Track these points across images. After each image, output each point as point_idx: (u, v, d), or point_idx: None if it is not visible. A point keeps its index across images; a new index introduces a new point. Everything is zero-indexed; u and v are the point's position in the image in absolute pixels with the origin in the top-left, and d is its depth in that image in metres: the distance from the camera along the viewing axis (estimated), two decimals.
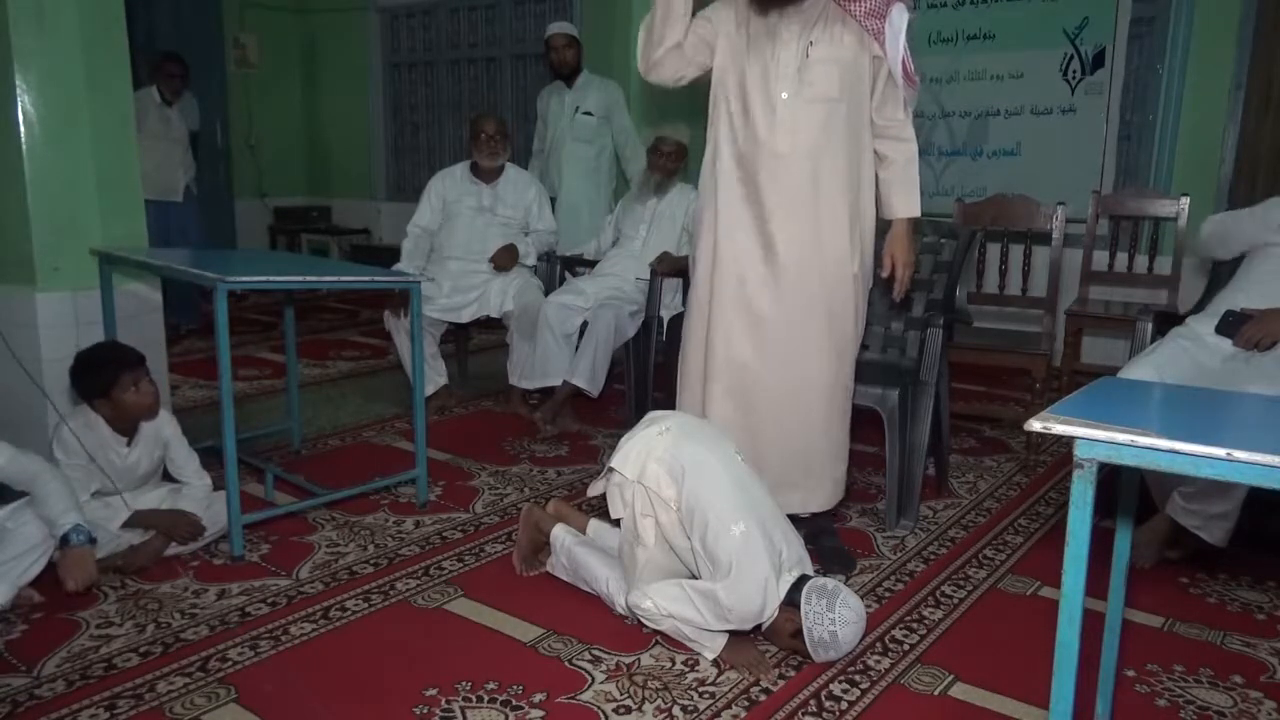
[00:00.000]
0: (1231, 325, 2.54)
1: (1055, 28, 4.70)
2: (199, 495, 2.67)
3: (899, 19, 2.34)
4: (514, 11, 6.88)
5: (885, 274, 2.53)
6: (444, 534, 2.81)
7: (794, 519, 2.43)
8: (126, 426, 2.59)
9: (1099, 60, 4.62)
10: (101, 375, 2.52)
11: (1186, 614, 2.37)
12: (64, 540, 2.25)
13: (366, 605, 2.36)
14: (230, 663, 2.08)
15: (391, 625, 2.27)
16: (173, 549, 2.58)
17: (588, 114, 4.76)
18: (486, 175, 4.13)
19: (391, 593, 2.43)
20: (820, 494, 2.61)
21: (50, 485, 2.31)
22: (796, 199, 2.42)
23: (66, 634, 2.19)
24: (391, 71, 7.65)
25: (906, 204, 2.49)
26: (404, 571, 2.55)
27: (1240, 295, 2.64)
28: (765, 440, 2.52)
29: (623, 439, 2.35)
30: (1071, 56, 4.69)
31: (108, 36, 3.11)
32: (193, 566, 2.55)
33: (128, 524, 2.53)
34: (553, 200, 4.53)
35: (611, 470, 2.30)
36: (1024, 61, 4.82)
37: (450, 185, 4.14)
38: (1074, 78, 4.71)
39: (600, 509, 2.58)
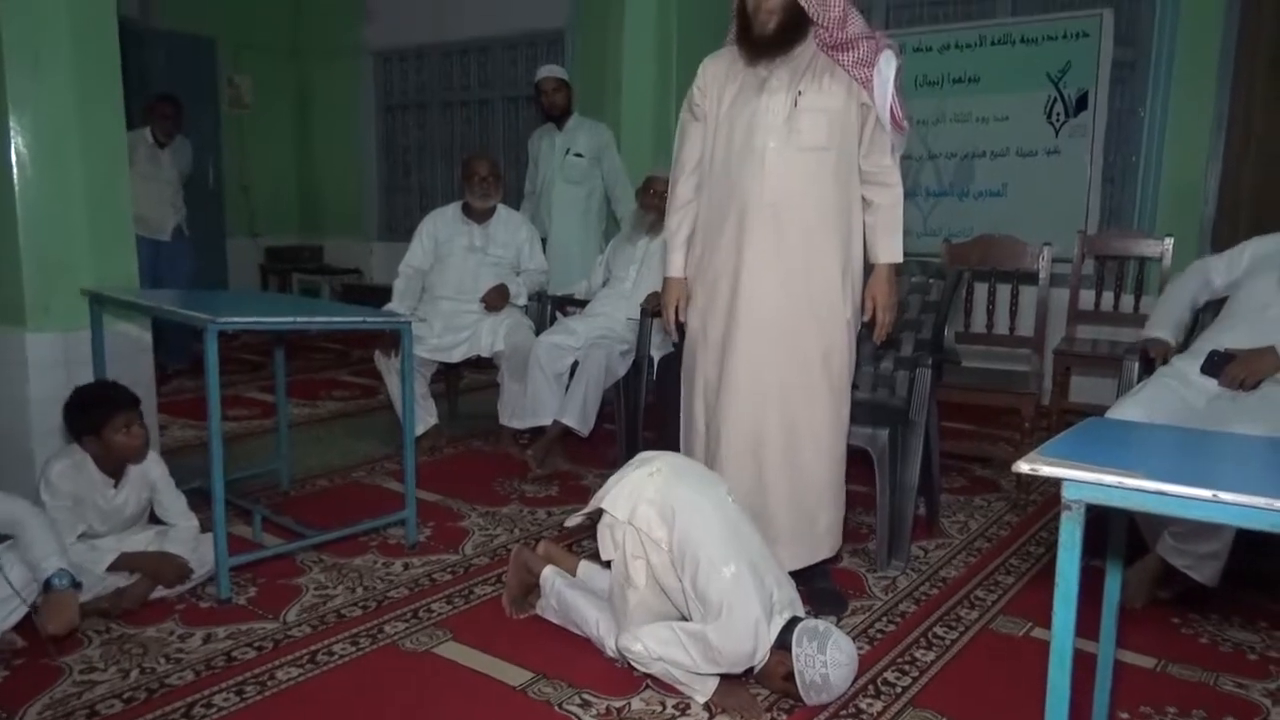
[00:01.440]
0: (1216, 365, 2.56)
1: (1039, 71, 4.79)
2: (186, 537, 2.65)
3: (887, 66, 2.38)
4: (506, 55, 6.97)
5: (866, 318, 2.55)
6: (433, 576, 2.79)
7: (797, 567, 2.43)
8: (114, 467, 2.57)
9: (1082, 103, 4.70)
10: (94, 413, 2.52)
11: (1179, 655, 2.36)
12: (47, 585, 2.23)
13: (354, 649, 2.33)
14: (215, 709, 2.05)
15: (380, 669, 2.24)
16: (159, 592, 2.55)
17: (578, 155, 4.80)
18: (478, 215, 4.16)
19: (380, 636, 2.40)
20: (828, 541, 2.60)
21: (34, 528, 2.28)
22: (787, 246, 2.44)
23: (49, 680, 2.15)
24: (384, 113, 7.72)
25: (889, 249, 2.51)
26: (393, 614, 2.52)
27: (1226, 334, 2.66)
28: (776, 495, 2.51)
29: (611, 479, 2.35)
30: (1055, 99, 4.77)
31: (103, 79, 3.14)
32: (179, 610, 2.53)
33: (113, 567, 2.50)
34: (543, 241, 4.56)
35: (601, 511, 2.29)
36: (1009, 104, 4.90)
37: (442, 225, 4.17)
38: (1058, 120, 4.78)
39: (589, 550, 2.57)
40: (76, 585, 2.28)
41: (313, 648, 2.33)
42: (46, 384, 3.04)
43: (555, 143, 4.85)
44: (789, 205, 2.43)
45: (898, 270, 2.56)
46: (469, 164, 4.17)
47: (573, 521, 2.45)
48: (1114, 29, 4.60)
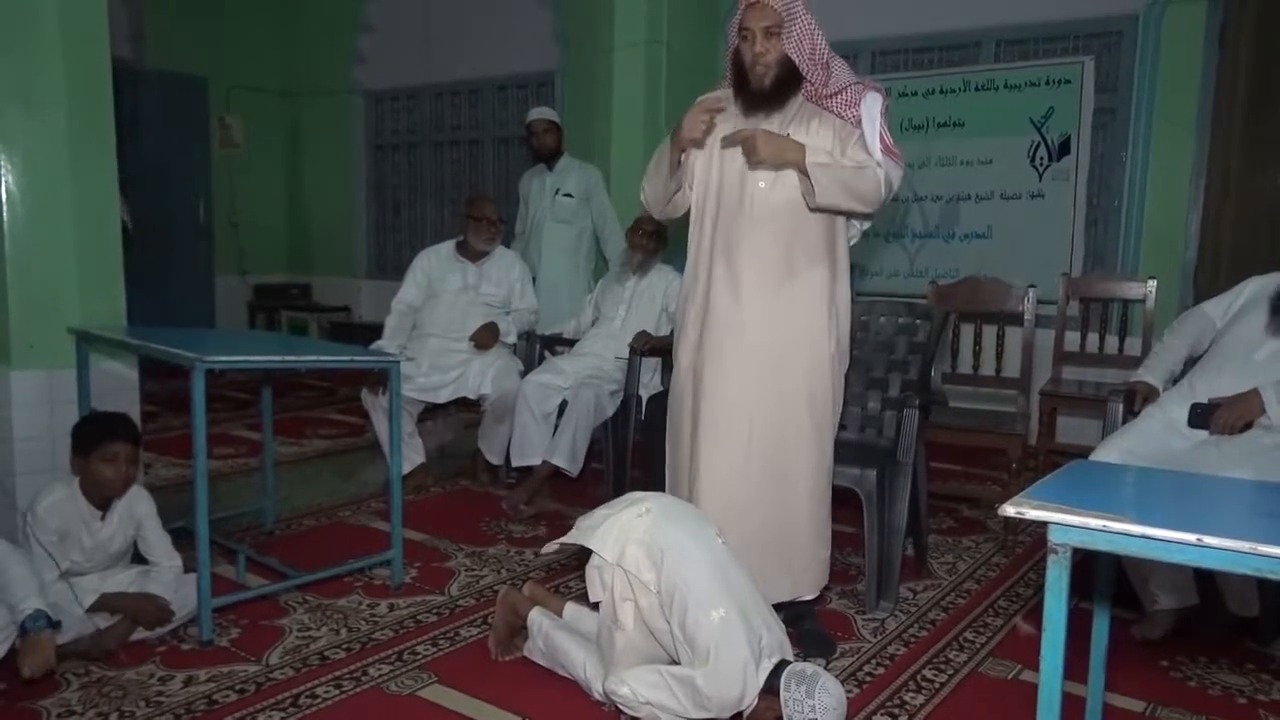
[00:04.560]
0: (1202, 416, 2.58)
1: (1022, 116, 4.87)
2: (168, 577, 2.62)
3: (872, 104, 2.45)
4: (496, 96, 7.04)
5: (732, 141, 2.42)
6: (418, 617, 2.76)
7: (774, 601, 2.42)
8: (99, 498, 2.55)
9: (1065, 148, 4.77)
10: (89, 436, 2.53)
11: (1168, 698, 2.35)
12: (22, 627, 2.20)
13: (338, 692, 2.30)
14: None
15: (363, 713, 2.21)
16: (139, 633, 2.52)
17: (567, 196, 4.84)
18: (474, 255, 4.17)
19: (364, 679, 2.37)
20: (809, 578, 2.60)
21: (11, 569, 2.26)
22: (774, 284, 2.47)
23: None
24: (375, 153, 7.77)
25: (818, 159, 2.36)
26: (377, 657, 2.49)
27: (1213, 378, 2.66)
28: (754, 527, 2.51)
29: (598, 512, 2.35)
30: (1038, 144, 4.85)
31: (95, 119, 3.16)
32: (159, 652, 2.49)
33: (94, 607, 2.47)
34: (533, 280, 4.58)
35: (589, 551, 2.28)
36: (993, 148, 4.97)
37: (436, 263, 4.18)
38: (1041, 164, 4.85)
39: (577, 591, 2.55)
40: (54, 626, 2.25)
41: (295, 690, 2.30)
42: (31, 422, 3.02)
43: (545, 183, 4.89)
44: (778, 242, 2.47)
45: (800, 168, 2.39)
46: (477, 205, 4.19)
47: (549, 549, 2.46)
48: (1095, 76, 4.70)
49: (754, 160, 2.38)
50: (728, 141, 2.43)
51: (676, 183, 2.58)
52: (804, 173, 2.35)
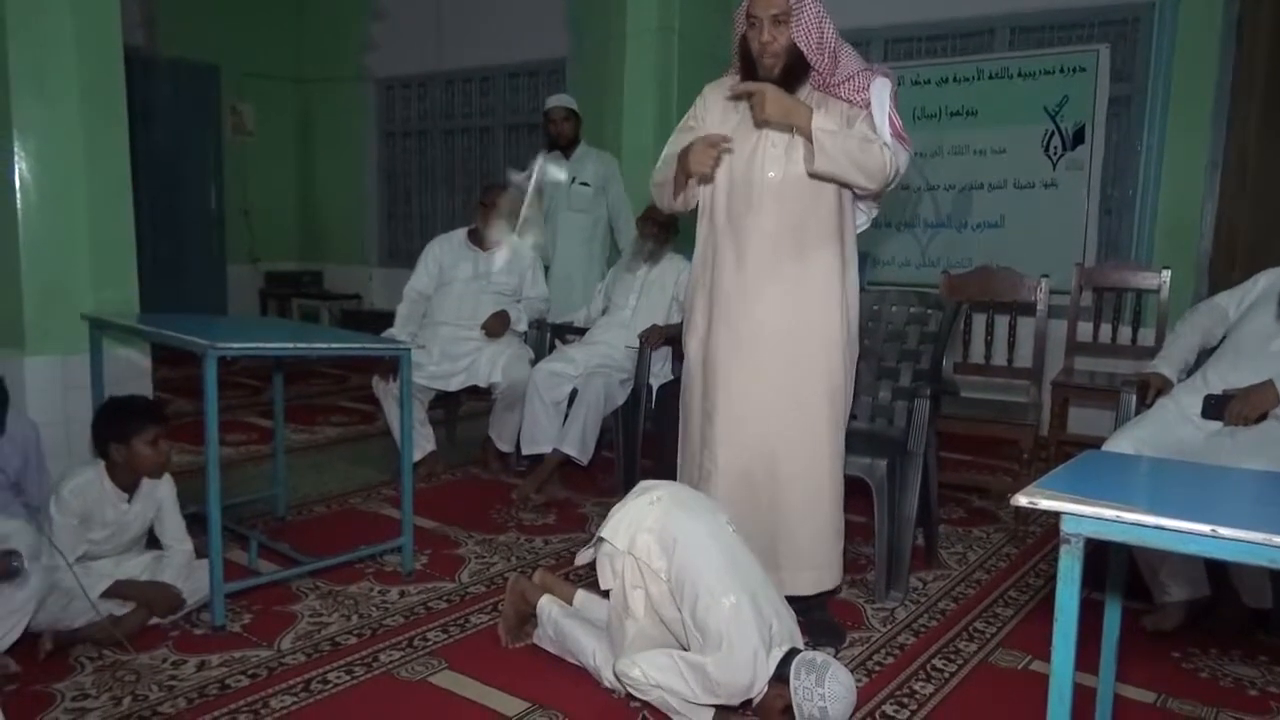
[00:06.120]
0: (1216, 407, 2.57)
1: (1036, 105, 4.83)
2: (180, 562, 2.63)
3: (881, 89, 2.44)
4: (508, 84, 7.03)
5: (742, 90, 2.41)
6: (429, 604, 2.77)
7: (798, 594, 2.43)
8: (130, 481, 2.57)
9: (1079, 136, 4.74)
10: (131, 421, 2.54)
11: (1179, 689, 2.35)
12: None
13: (349, 677, 2.32)
14: None
15: (374, 698, 2.23)
16: (152, 619, 2.53)
17: (584, 184, 4.83)
18: (485, 243, 4.17)
19: (375, 664, 2.39)
20: (831, 571, 2.59)
21: (17, 537, 2.28)
22: (784, 272, 2.47)
23: (41, 707, 2.13)
24: (386, 140, 7.78)
25: (825, 126, 2.33)
26: (388, 643, 2.51)
27: (1229, 370, 2.65)
28: (777, 521, 2.51)
29: (614, 508, 2.35)
30: (1052, 133, 4.81)
31: (107, 106, 3.17)
32: (172, 636, 2.51)
33: (108, 593, 2.48)
34: (546, 268, 4.57)
35: (601, 540, 2.29)
36: (1006, 137, 4.94)
37: (447, 251, 4.18)
38: (1055, 153, 4.82)
39: (587, 579, 2.56)
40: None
41: (307, 676, 2.31)
42: (45, 407, 3.04)
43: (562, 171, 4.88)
44: (787, 232, 2.46)
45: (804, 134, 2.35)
46: (490, 195, 4.19)
47: (583, 558, 2.44)
48: (1110, 65, 4.66)
49: (759, 116, 2.37)
50: (736, 91, 2.42)
51: (683, 202, 2.58)
52: (808, 137, 2.33)
